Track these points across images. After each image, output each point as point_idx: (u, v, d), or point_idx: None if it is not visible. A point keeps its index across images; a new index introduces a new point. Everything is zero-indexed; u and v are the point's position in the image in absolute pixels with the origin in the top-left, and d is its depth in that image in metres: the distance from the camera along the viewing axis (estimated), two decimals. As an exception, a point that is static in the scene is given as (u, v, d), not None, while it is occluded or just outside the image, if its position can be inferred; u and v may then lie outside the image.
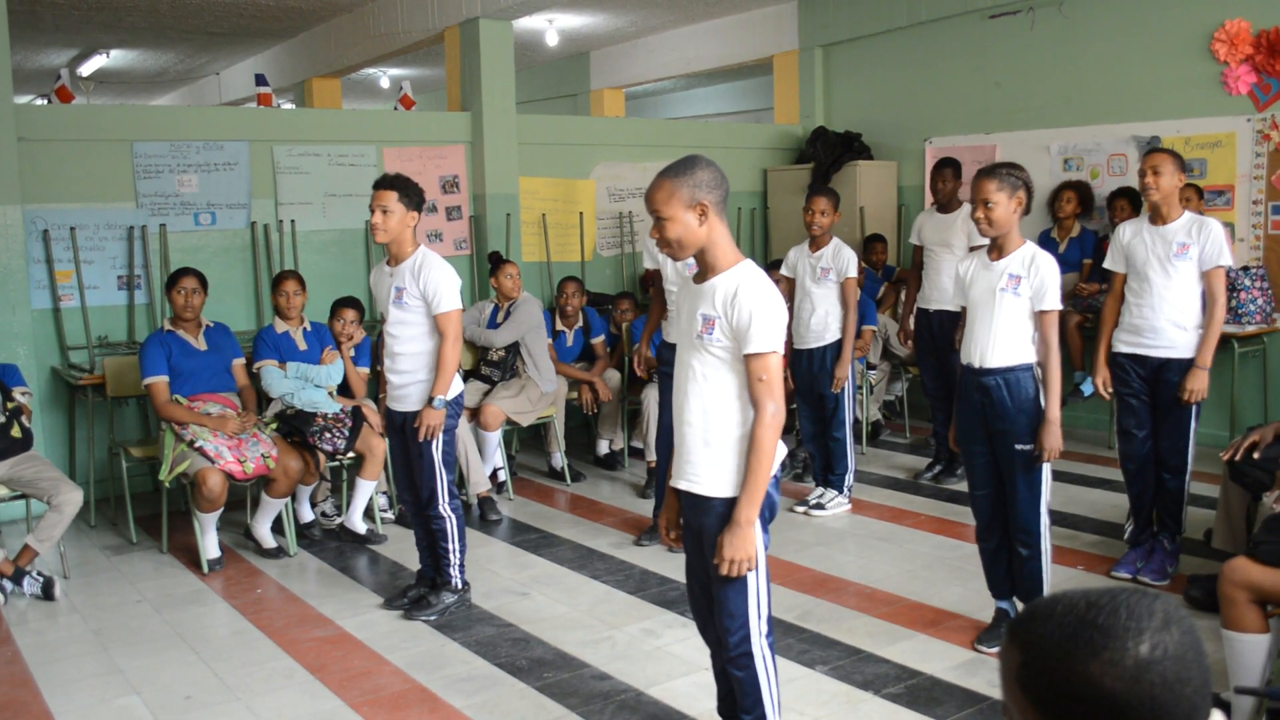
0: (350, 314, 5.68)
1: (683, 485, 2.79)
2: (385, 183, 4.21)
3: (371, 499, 5.50)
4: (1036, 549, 3.80)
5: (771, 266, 6.32)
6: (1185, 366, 4.31)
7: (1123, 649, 1.08)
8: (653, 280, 5.34)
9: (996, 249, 3.78)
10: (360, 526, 5.38)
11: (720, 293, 2.67)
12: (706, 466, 2.73)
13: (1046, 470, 3.77)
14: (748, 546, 2.67)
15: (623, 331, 6.92)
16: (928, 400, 6.34)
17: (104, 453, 5.99)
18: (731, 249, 2.73)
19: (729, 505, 2.70)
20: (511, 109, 7.53)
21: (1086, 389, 6.57)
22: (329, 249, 6.96)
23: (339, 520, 5.53)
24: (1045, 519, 3.80)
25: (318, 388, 5.38)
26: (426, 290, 4.15)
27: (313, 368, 5.40)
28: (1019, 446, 3.72)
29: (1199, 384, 4.26)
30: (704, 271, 2.76)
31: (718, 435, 2.71)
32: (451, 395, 4.24)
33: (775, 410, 2.65)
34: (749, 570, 2.71)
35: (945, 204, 6.13)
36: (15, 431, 4.76)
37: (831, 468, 5.73)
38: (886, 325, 7.16)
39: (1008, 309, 3.71)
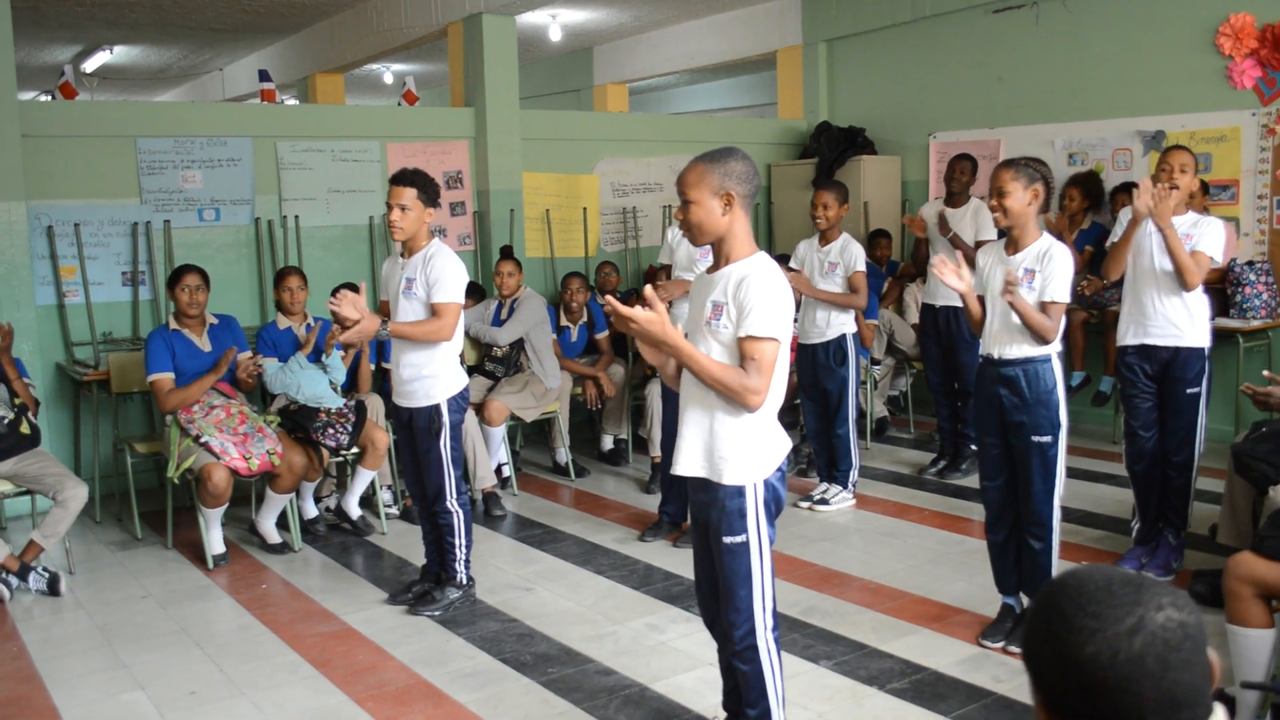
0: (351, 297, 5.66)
1: (687, 471, 2.80)
2: (404, 179, 4.04)
3: (377, 495, 5.51)
4: (1048, 541, 3.80)
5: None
6: (1194, 357, 4.31)
7: (1118, 634, 1.09)
8: (655, 277, 5.34)
9: (1013, 243, 3.77)
10: (355, 511, 5.42)
11: (731, 280, 2.71)
12: (713, 454, 2.74)
13: (1061, 464, 3.77)
14: (654, 329, 2.58)
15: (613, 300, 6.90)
16: (932, 395, 6.33)
17: (109, 448, 5.99)
18: (749, 242, 2.77)
19: (738, 493, 2.72)
20: (515, 104, 7.52)
21: (1104, 386, 6.56)
22: (333, 245, 6.96)
23: (332, 495, 5.58)
24: (1057, 512, 3.81)
25: (323, 373, 5.37)
26: (430, 277, 4.07)
27: (330, 356, 5.40)
28: (1036, 439, 3.71)
29: None
30: (718, 262, 2.80)
31: (724, 423, 2.72)
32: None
33: (753, 385, 2.62)
34: (638, 327, 2.58)
35: (956, 196, 6.10)
36: (24, 428, 4.77)
37: (836, 463, 5.72)
38: (890, 320, 7.14)
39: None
